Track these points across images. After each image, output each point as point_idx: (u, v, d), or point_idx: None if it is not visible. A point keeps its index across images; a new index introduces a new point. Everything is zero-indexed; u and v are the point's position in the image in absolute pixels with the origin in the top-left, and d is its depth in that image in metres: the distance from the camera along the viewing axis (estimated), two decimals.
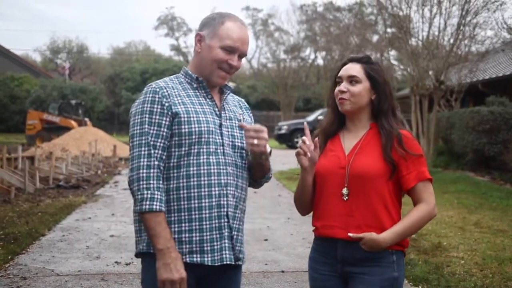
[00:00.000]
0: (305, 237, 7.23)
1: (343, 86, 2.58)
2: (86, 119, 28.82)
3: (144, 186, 2.31)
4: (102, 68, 48.48)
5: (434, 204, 2.53)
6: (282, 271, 5.80)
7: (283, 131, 27.51)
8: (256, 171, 2.59)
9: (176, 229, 2.39)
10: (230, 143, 2.50)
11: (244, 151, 2.54)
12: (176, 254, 2.32)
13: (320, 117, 27.02)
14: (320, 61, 40.11)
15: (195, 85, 2.53)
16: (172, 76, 2.58)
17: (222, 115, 2.53)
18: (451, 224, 8.09)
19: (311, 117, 28.72)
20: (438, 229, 7.66)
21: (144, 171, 2.33)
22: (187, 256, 2.38)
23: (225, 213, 2.43)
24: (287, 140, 27.44)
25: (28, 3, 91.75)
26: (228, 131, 2.51)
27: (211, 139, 2.43)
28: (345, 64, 2.64)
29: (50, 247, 6.74)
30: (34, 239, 7.08)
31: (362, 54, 2.69)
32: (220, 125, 2.49)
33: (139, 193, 2.32)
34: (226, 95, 2.59)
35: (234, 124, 2.55)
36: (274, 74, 40.31)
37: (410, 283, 5.33)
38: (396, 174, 2.52)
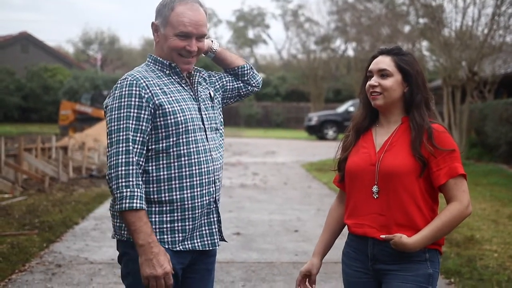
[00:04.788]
0: None
1: (374, 80, 2.51)
2: None
3: (123, 184, 2.26)
4: (133, 59, 48.65)
5: (468, 202, 2.42)
6: None
7: (313, 123, 27.41)
8: (228, 64, 2.74)
9: (168, 218, 2.38)
10: (209, 126, 2.50)
11: (221, 129, 2.58)
12: (158, 249, 2.26)
13: (351, 108, 26.84)
14: (350, 52, 39.71)
15: (167, 72, 2.48)
16: (141, 66, 2.51)
17: (199, 98, 2.51)
18: (484, 217, 7.98)
19: (341, 109, 28.57)
20: (471, 221, 7.56)
21: (123, 168, 2.27)
22: (180, 244, 2.39)
23: (213, 199, 2.48)
24: (317, 131, 27.36)
25: None
26: (206, 114, 2.50)
27: (196, 127, 2.42)
28: (375, 57, 2.56)
29: (83, 235, 6.86)
30: (68, 227, 7.21)
31: (393, 46, 2.59)
32: (199, 109, 2.48)
33: (118, 191, 2.27)
34: (196, 77, 2.54)
35: (208, 105, 2.54)
36: (304, 65, 40.03)
37: (442, 276, 5.28)
38: (426, 170, 2.43)
